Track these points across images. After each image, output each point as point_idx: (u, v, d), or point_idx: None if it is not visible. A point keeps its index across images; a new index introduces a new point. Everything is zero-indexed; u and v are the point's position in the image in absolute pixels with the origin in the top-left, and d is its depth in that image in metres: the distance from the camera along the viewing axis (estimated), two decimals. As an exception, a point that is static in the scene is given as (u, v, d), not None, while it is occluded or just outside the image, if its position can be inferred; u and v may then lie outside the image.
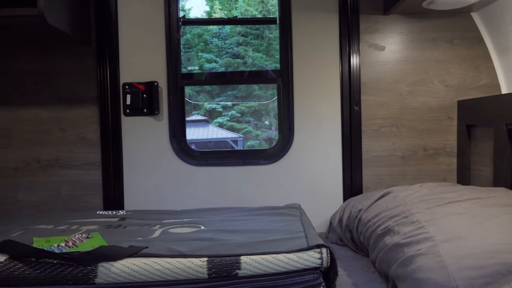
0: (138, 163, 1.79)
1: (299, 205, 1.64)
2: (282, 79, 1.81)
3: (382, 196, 1.44)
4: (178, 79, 1.80)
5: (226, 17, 1.79)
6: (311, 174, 1.82)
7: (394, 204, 1.31)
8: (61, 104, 1.78)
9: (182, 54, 1.83)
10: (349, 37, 1.80)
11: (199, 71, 1.87)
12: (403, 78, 1.82)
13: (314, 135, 1.82)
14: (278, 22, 1.81)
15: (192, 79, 1.87)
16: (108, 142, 1.78)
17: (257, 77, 1.98)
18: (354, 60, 1.80)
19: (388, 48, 1.82)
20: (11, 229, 1.36)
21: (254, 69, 1.81)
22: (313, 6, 1.78)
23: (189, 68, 2.02)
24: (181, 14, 1.80)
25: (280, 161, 1.82)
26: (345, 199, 1.79)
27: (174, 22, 1.77)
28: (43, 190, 1.79)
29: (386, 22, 1.82)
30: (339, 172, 1.82)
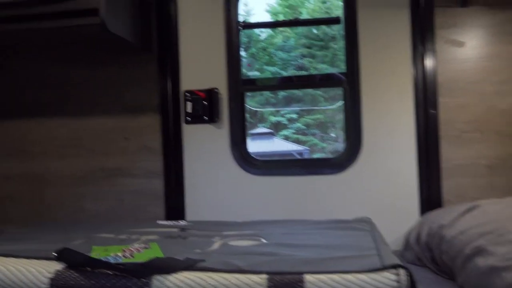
0: (199, 171, 1.75)
1: (370, 218, 1.50)
2: (348, 82, 1.69)
3: (468, 211, 1.25)
4: (238, 85, 1.74)
5: (287, 19, 1.71)
6: (382, 185, 1.67)
7: (485, 220, 1.13)
8: (125, 113, 1.79)
9: (242, 59, 1.77)
10: (422, 34, 1.63)
11: (260, 77, 1.78)
12: (487, 76, 1.61)
13: (384, 142, 1.66)
14: (342, 21, 1.69)
15: (253, 84, 1.81)
16: (169, 150, 1.76)
17: (321, 80, 1.86)
18: (429, 58, 1.63)
19: (468, 44, 1.63)
20: (75, 237, 1.36)
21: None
22: (381, 1, 1.64)
23: (250, 73, 1.95)
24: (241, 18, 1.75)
25: (347, 170, 1.69)
26: (422, 213, 1.61)
27: (234, 27, 1.72)
28: (108, 199, 1.80)
29: (465, 15, 1.63)
30: (414, 183, 1.65)
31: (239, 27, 1.73)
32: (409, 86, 1.65)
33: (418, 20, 1.62)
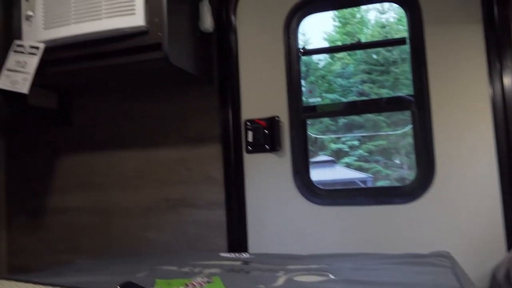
0: (262, 202, 1.71)
1: (449, 253, 1.36)
2: (417, 105, 1.58)
3: None
4: (300, 112, 1.70)
5: (348, 43, 1.66)
6: (460, 215, 1.52)
7: None
8: (187, 143, 1.81)
9: (303, 86, 1.73)
10: (499, 50, 1.50)
11: (322, 103, 1.72)
12: None
13: (461, 168, 1.52)
14: (407, 41, 1.61)
15: (314, 111, 1.76)
16: (231, 180, 1.74)
17: (388, 104, 1.76)
18: (508, 76, 1.49)
19: (553, 59, 1.48)
20: (139, 269, 1.36)
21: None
22: (449, 18, 1.55)
23: (311, 100, 1.90)
24: (300, 45, 1.73)
25: (419, 199, 1.56)
26: (509, 246, 1.44)
27: (294, 53, 1.70)
28: (171, 230, 1.81)
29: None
30: (497, 213, 1.48)
31: (299, 54, 1.71)
32: (487, 107, 1.52)
33: (494, 36, 1.50)
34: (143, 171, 1.86)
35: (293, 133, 1.69)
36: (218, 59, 1.76)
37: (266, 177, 1.71)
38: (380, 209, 1.60)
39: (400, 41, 1.67)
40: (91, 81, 1.72)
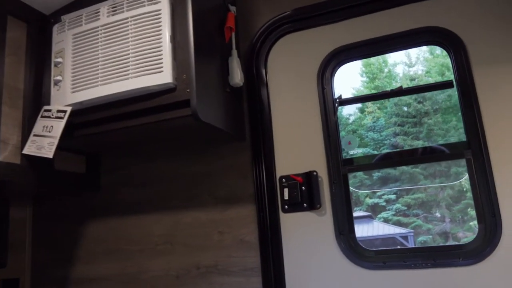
0: (301, 267, 1.54)
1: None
2: (472, 152, 1.42)
3: None
4: (340, 165, 1.57)
5: (388, 90, 1.55)
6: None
7: None
8: (218, 204, 1.69)
9: (341, 137, 1.61)
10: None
11: (361, 155, 1.59)
12: None
13: (532, 223, 1.32)
14: (455, 84, 1.48)
15: (355, 164, 1.62)
16: (267, 243, 1.58)
17: (435, 153, 1.59)
18: None
19: None
20: None
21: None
22: (497, 56, 1.42)
23: (351, 152, 1.77)
24: (336, 95, 1.63)
25: (486, 260, 1.35)
26: None
27: (330, 103, 1.60)
28: (203, 301, 1.64)
29: None
30: None
31: (336, 104, 1.61)
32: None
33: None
34: (172, 236, 1.73)
35: (334, 189, 1.54)
36: (249, 113, 1.68)
37: (306, 239, 1.55)
38: (440, 272, 1.40)
39: (447, 84, 1.54)
40: (119, 142, 1.66)
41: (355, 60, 1.62)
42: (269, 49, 1.69)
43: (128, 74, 1.41)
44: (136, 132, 1.51)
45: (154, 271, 1.73)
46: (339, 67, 1.64)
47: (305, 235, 1.55)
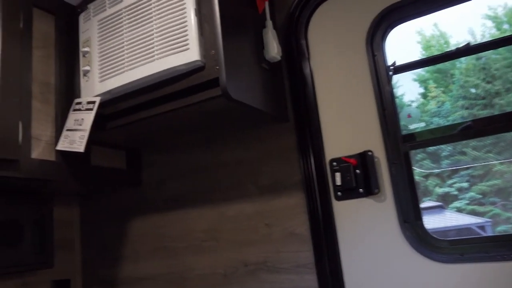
0: (361, 261, 1.34)
1: None
2: None
3: None
4: (399, 143, 1.34)
5: (453, 49, 1.30)
6: None
7: None
8: (263, 194, 1.53)
9: (399, 110, 1.38)
10: None
11: (425, 129, 1.34)
12: None
13: None
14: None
15: (418, 140, 1.38)
16: (320, 236, 1.40)
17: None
18: None
19: None
20: None
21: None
22: None
23: (412, 126, 1.54)
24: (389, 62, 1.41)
25: None
26: None
27: (383, 72, 1.38)
28: (254, 301, 1.49)
29: None
30: None
31: (390, 72, 1.38)
32: None
33: None
34: (217, 231, 1.60)
35: (394, 171, 1.33)
36: (291, 91, 1.50)
37: (364, 229, 1.35)
38: (533, 264, 1.14)
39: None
40: (153, 134, 1.56)
41: (410, 19, 1.38)
42: (309, 17, 1.50)
43: (153, 56, 1.29)
44: (167, 120, 1.40)
45: (200, 269, 1.61)
46: (391, 29, 1.41)
47: (363, 225, 1.35)
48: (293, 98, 1.49)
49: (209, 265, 1.59)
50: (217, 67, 1.20)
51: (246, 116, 1.43)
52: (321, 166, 1.43)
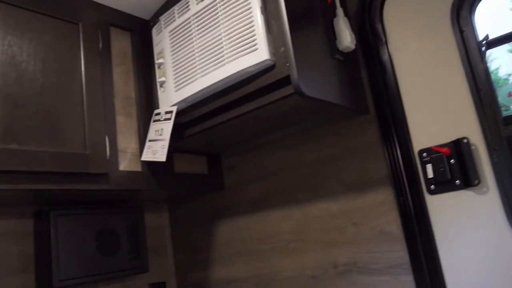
0: (463, 260, 1.21)
1: None
2: None
3: None
4: (500, 127, 1.18)
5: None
6: None
7: None
8: (348, 192, 1.45)
9: (496, 89, 1.22)
10: None
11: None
12: None
13: None
14: None
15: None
16: (413, 234, 1.29)
17: None
18: None
19: None
20: None
21: None
22: None
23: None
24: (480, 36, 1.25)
25: None
26: None
27: (474, 49, 1.23)
28: (346, 304, 1.42)
29: None
30: None
31: (482, 47, 1.23)
32: None
33: None
34: (302, 232, 1.56)
35: (495, 158, 1.17)
36: (369, 80, 1.40)
37: (465, 224, 1.21)
38: None
39: None
40: (231, 137, 1.56)
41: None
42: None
43: (223, 60, 1.29)
44: (241, 123, 1.38)
45: (288, 271, 1.58)
46: (480, 0, 1.25)
47: (463, 220, 1.22)
48: (372, 88, 1.40)
49: (296, 267, 1.56)
50: (288, 64, 1.16)
51: (323, 112, 1.36)
52: (409, 158, 1.31)
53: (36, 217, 1.56)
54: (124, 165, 1.47)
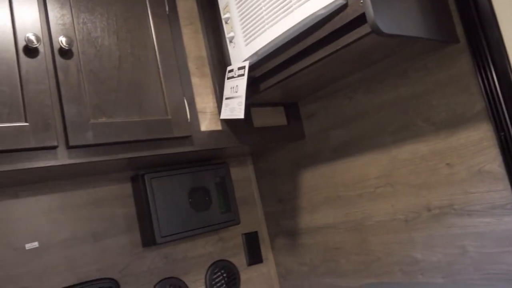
0: None
1: None
2: None
3: None
4: None
5: None
6: None
7: None
8: (439, 131, 1.35)
9: None
10: None
11: None
12: None
13: None
14: None
15: None
16: (518, 171, 1.17)
17: None
18: None
19: None
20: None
21: None
22: None
23: None
24: None
25: None
26: None
27: None
28: (443, 247, 1.37)
29: None
30: None
31: None
32: None
33: None
34: (391, 176, 1.50)
35: None
36: (457, 3, 1.24)
37: None
38: None
39: None
40: (303, 84, 1.50)
41: None
42: None
43: (291, 6, 1.21)
44: (317, 70, 1.32)
45: (378, 216, 1.55)
46: None
47: None
48: (461, 12, 1.23)
49: (387, 211, 1.52)
50: (361, 2, 1.06)
51: (406, 47, 1.25)
52: (509, 89, 1.17)
53: (133, 181, 1.68)
54: (205, 125, 1.50)
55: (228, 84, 1.50)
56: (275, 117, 1.74)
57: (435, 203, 1.38)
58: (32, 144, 1.11)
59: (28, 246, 1.45)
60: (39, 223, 1.49)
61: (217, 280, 1.82)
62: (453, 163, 1.32)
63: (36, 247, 1.47)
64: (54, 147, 1.16)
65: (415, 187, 1.43)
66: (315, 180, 1.78)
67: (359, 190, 1.61)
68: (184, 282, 1.73)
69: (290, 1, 1.21)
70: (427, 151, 1.39)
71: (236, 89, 1.45)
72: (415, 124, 1.41)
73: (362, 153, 1.58)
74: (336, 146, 1.68)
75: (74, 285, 1.49)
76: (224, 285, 1.83)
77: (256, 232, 2.01)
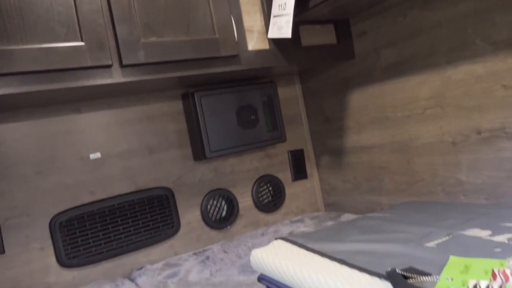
0: None
1: None
2: None
3: None
4: None
5: None
6: None
7: None
8: (498, 51, 1.26)
9: None
10: None
11: None
12: None
13: None
14: None
15: None
16: None
17: None
18: None
19: None
20: (435, 231, 1.05)
21: None
22: None
23: None
24: None
25: None
26: None
27: None
28: (490, 170, 1.36)
29: None
30: None
31: None
32: None
33: None
34: (442, 97, 1.45)
35: None
36: None
37: None
38: None
39: None
40: (355, 0, 1.43)
41: None
42: None
43: None
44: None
45: (425, 138, 1.54)
46: None
47: None
48: None
49: (435, 133, 1.50)
50: None
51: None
52: None
53: (183, 99, 1.75)
54: (252, 44, 1.50)
55: (276, 1, 1.46)
56: (324, 36, 1.69)
57: (486, 126, 1.34)
58: (89, 63, 1.18)
59: (92, 156, 1.61)
60: (100, 136, 1.63)
61: (263, 192, 1.94)
62: (510, 85, 1.26)
63: (99, 158, 1.62)
64: (109, 66, 1.23)
65: (466, 109, 1.39)
66: (364, 101, 1.76)
67: (408, 112, 1.58)
68: (232, 193, 1.86)
69: None
70: (483, 72, 1.32)
71: (284, 6, 1.41)
72: (473, 43, 1.33)
73: (414, 73, 1.53)
74: (387, 65, 1.63)
75: (134, 192, 1.66)
76: (270, 198, 1.95)
77: (302, 150, 2.07)
